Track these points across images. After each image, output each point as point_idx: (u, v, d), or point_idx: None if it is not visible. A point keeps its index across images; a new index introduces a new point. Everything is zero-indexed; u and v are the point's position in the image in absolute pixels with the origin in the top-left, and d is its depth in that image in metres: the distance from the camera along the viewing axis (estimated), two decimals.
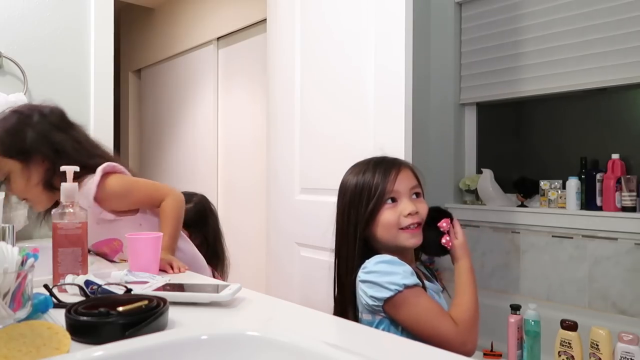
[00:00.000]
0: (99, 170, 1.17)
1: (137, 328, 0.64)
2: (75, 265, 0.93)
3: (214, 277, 1.60)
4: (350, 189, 1.11)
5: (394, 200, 1.07)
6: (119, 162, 1.25)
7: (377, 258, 1.03)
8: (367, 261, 1.04)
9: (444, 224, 1.13)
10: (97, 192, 1.16)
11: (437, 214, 1.14)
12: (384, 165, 1.10)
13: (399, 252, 1.08)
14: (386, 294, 0.98)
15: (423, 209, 1.09)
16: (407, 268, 1.01)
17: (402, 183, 1.07)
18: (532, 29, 2.31)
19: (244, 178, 3.12)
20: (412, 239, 1.07)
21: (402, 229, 1.06)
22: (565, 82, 2.21)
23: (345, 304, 1.07)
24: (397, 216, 1.06)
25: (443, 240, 1.12)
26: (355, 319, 1.05)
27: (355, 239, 1.08)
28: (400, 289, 0.97)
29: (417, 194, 1.10)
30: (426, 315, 0.98)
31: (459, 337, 0.97)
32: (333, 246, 1.14)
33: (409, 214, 1.05)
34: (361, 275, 1.03)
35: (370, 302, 1.00)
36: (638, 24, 1.99)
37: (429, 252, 1.17)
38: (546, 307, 2.04)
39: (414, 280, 0.99)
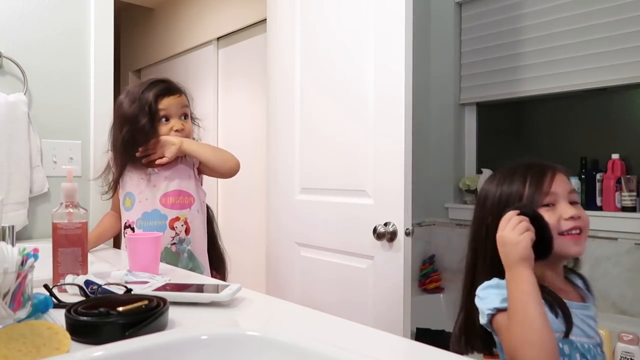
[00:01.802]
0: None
1: (137, 328, 0.64)
2: (75, 265, 0.93)
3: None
4: (492, 197, 0.99)
5: (551, 205, 0.94)
6: None
7: (485, 283, 0.94)
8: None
9: None
10: None
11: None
12: (536, 168, 0.98)
13: (551, 263, 0.96)
14: (484, 320, 0.91)
15: (586, 217, 0.96)
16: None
17: (560, 186, 0.95)
18: (532, 29, 2.31)
19: (244, 178, 3.11)
20: (576, 247, 0.94)
21: (561, 234, 0.93)
22: (565, 82, 2.21)
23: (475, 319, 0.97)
24: (557, 219, 0.93)
25: None
26: (485, 332, 0.96)
27: (488, 251, 0.96)
28: (492, 312, 0.89)
29: (575, 203, 0.97)
30: (509, 343, 0.85)
31: None
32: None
33: (571, 217, 0.93)
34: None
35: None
36: (638, 24, 1.99)
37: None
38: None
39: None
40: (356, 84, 1.61)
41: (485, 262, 0.97)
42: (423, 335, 2.19)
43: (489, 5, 2.48)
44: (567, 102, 2.29)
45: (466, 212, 2.50)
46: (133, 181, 1.45)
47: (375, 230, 1.48)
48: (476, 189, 2.46)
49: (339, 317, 0.77)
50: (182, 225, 1.43)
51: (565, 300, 0.93)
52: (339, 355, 0.56)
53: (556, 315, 0.89)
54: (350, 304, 1.62)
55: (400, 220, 1.46)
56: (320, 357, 0.57)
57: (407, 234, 1.45)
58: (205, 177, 1.62)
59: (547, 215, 0.93)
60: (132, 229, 1.42)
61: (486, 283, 0.94)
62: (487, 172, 2.42)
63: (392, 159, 1.49)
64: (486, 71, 2.50)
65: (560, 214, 0.94)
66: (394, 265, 1.47)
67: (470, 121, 2.66)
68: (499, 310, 0.88)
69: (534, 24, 2.31)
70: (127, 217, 1.45)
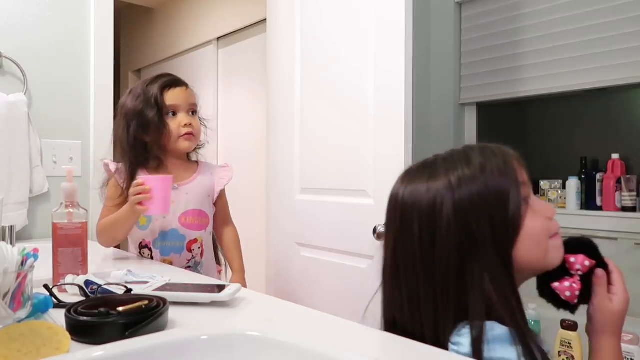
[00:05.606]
0: (233, 168, 1.57)
1: (137, 328, 0.64)
2: (75, 265, 0.93)
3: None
4: (440, 209, 0.68)
5: (526, 201, 0.70)
6: None
7: (492, 333, 0.64)
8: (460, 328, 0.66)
9: (573, 260, 0.68)
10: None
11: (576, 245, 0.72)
12: (493, 155, 0.69)
13: (523, 280, 0.74)
14: None
15: None
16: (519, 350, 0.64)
17: (525, 174, 0.71)
18: (532, 29, 2.31)
19: (244, 178, 3.12)
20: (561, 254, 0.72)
21: (551, 237, 0.71)
22: (565, 82, 2.21)
23: None
24: (542, 221, 0.70)
25: (556, 284, 0.70)
26: None
27: (463, 283, 0.67)
28: None
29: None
30: None
31: None
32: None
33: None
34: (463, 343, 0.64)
35: None
36: (638, 24, 1.99)
37: (542, 294, 0.78)
38: (546, 307, 2.03)
39: None
40: (356, 83, 1.61)
41: (449, 295, 0.68)
42: None
43: (489, 5, 2.48)
44: (567, 102, 2.29)
45: None
46: None
47: (375, 230, 1.48)
48: None
49: (339, 317, 0.77)
50: (198, 248, 1.36)
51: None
52: (339, 355, 0.56)
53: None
54: (350, 304, 1.62)
55: None
56: (320, 357, 0.57)
57: None
58: None
59: (534, 219, 0.69)
60: (150, 249, 1.34)
61: (493, 333, 0.64)
62: None
63: (392, 159, 1.49)
64: (486, 71, 2.50)
65: (543, 212, 0.71)
66: None
67: (470, 121, 2.66)
68: None
69: (534, 24, 2.30)
70: (142, 236, 1.35)
